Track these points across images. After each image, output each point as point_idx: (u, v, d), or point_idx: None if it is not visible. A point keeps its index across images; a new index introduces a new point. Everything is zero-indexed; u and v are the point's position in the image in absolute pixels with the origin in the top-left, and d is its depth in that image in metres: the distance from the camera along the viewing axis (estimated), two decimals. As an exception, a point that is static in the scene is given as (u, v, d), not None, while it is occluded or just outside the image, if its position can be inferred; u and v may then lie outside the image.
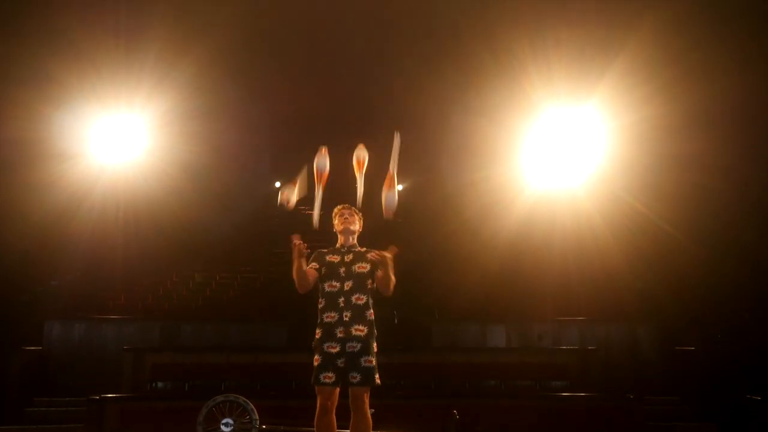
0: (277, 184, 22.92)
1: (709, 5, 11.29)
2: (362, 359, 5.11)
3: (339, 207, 5.59)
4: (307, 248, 5.22)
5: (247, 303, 14.97)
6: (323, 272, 5.33)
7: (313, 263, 5.38)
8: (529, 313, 14.10)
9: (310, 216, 5.57)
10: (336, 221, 5.54)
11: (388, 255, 5.16)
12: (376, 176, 5.69)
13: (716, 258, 14.23)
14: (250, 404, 8.25)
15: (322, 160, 5.65)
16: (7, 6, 11.19)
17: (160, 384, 11.81)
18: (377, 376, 5.16)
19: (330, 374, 5.08)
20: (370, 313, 5.26)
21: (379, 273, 5.20)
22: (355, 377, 5.08)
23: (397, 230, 20.90)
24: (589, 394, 11.28)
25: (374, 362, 5.17)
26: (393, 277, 5.20)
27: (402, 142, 5.51)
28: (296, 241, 5.14)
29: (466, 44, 13.20)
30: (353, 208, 5.60)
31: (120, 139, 14.71)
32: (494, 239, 15.47)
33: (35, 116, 12.78)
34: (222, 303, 14.99)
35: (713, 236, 14.19)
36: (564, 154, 15.38)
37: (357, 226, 5.55)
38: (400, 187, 5.78)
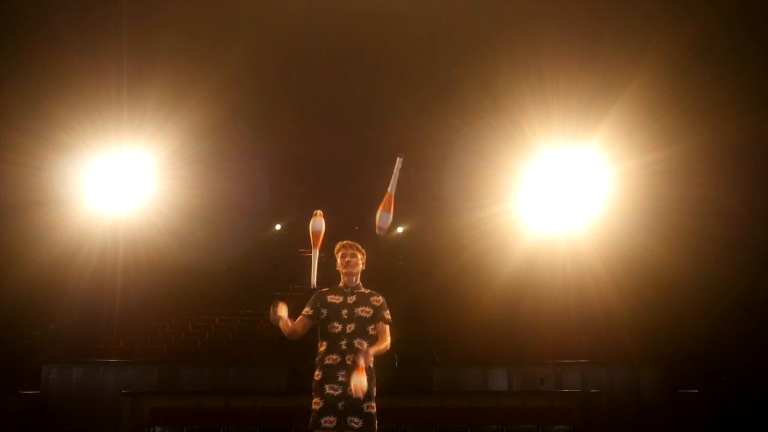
0: (277, 227, 22.96)
1: (710, 49, 11.39)
2: (365, 405, 4.97)
3: (341, 244, 5.38)
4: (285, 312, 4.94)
5: (246, 346, 14.88)
6: (325, 314, 5.16)
7: (309, 308, 5.22)
8: (530, 356, 14.03)
9: (309, 264, 5.38)
10: (338, 261, 5.36)
11: (367, 358, 4.90)
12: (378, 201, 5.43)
13: (718, 301, 14.19)
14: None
15: (318, 222, 5.34)
16: (7, 51, 11.30)
17: (158, 429, 11.71)
18: (376, 422, 5.05)
19: (331, 418, 4.94)
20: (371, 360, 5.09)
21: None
22: (357, 423, 4.95)
23: (398, 271, 20.93)
24: (592, 438, 11.19)
25: (375, 408, 5.06)
26: (383, 348, 5.09)
27: (403, 178, 5.29)
28: (278, 315, 4.85)
29: (465, 87, 13.30)
30: (356, 244, 5.37)
31: (120, 183, 14.75)
32: (494, 281, 15.44)
33: (36, 161, 12.84)
34: (221, 346, 14.90)
35: (714, 280, 14.15)
36: (564, 197, 15.42)
37: (360, 266, 5.35)
38: (400, 229, 5.72)
